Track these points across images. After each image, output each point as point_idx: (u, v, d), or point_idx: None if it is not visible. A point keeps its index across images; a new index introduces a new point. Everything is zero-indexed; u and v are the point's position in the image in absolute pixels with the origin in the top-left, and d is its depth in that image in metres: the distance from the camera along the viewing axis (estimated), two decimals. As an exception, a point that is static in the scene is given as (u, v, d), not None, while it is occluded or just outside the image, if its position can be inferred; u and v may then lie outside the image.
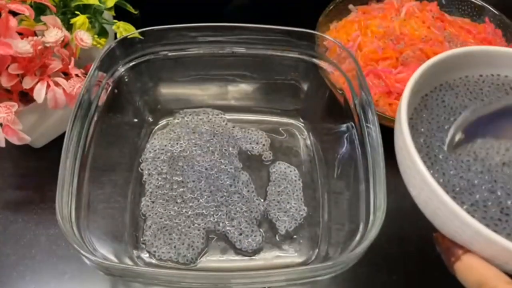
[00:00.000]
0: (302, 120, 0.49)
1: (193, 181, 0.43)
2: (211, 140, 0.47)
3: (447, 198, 0.25)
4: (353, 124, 0.39)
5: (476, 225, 0.24)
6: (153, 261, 0.39)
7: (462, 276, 0.26)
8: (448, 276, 0.29)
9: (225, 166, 0.45)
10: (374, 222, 0.31)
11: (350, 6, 0.55)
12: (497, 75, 0.34)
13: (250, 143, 0.47)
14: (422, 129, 0.31)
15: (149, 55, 0.44)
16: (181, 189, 0.43)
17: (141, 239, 0.40)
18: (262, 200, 0.43)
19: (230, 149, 0.46)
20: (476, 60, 0.33)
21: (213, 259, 0.40)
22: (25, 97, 0.40)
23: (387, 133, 0.36)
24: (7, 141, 0.38)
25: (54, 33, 0.38)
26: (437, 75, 0.32)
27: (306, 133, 0.48)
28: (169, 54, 0.45)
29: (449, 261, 0.27)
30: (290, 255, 0.40)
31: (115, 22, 0.43)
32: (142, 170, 0.44)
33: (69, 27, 0.42)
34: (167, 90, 0.50)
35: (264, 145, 0.47)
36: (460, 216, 0.24)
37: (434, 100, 0.33)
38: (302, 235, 0.41)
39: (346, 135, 0.41)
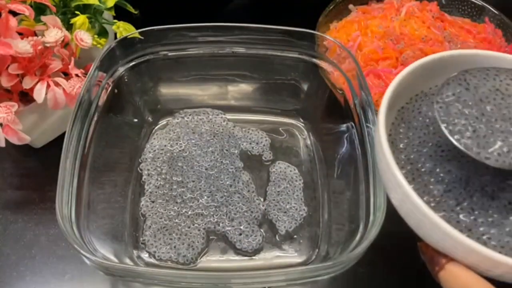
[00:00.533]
0: (302, 120, 0.49)
1: (193, 181, 0.43)
2: (211, 140, 0.47)
3: (427, 210, 0.25)
4: (353, 124, 0.39)
5: (457, 235, 0.24)
6: (153, 261, 0.39)
7: (446, 284, 0.26)
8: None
9: (226, 166, 0.45)
10: (374, 222, 0.31)
11: (350, 6, 0.55)
12: None
13: (250, 143, 0.47)
14: (402, 145, 0.31)
15: (149, 55, 0.44)
16: (181, 189, 0.43)
17: (141, 239, 0.40)
18: (262, 200, 0.43)
19: (231, 149, 0.46)
20: (448, 66, 0.32)
21: (213, 259, 0.40)
22: (25, 97, 0.40)
23: (387, 133, 0.36)
24: (7, 141, 0.38)
25: (54, 33, 0.38)
26: (412, 85, 0.32)
27: (306, 133, 0.48)
28: (169, 54, 0.45)
29: (433, 270, 0.27)
30: (290, 255, 0.40)
31: (115, 22, 0.43)
32: (141, 170, 0.44)
33: (69, 27, 0.42)
34: (167, 90, 0.50)
35: (264, 145, 0.47)
36: (442, 227, 0.24)
37: (410, 112, 0.32)
38: (302, 235, 0.41)
39: (346, 135, 0.41)
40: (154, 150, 0.46)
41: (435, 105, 0.28)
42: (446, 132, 0.27)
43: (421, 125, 0.31)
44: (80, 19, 0.41)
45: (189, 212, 0.41)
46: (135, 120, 0.47)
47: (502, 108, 0.27)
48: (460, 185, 0.28)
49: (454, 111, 0.27)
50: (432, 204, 0.28)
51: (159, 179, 0.43)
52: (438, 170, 0.29)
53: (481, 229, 0.27)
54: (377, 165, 0.30)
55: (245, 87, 0.50)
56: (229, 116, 0.49)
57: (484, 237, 0.26)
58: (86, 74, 0.39)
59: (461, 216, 0.27)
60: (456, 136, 0.27)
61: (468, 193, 0.28)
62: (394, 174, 0.26)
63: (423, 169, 0.29)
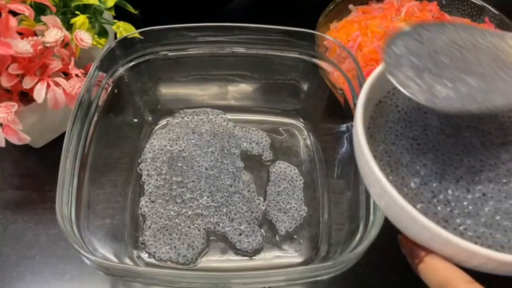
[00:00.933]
0: (302, 120, 0.49)
1: (193, 181, 0.43)
2: (211, 140, 0.47)
3: (404, 203, 0.25)
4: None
5: (433, 227, 0.24)
6: (153, 261, 0.39)
7: (425, 277, 0.26)
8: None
9: (226, 166, 0.45)
10: (374, 222, 0.31)
11: (350, 6, 0.55)
12: None
13: (250, 143, 0.47)
14: (380, 137, 0.31)
15: (149, 55, 0.44)
16: (181, 189, 0.43)
17: (141, 239, 0.40)
18: (262, 200, 0.43)
19: (232, 149, 0.46)
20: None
21: (213, 259, 0.40)
22: (25, 97, 0.40)
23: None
24: (7, 141, 0.38)
25: (54, 33, 0.38)
26: (388, 80, 0.32)
27: (306, 133, 0.48)
28: (169, 54, 0.45)
29: (413, 263, 0.27)
30: (290, 255, 0.40)
31: (115, 22, 0.43)
32: (141, 170, 0.44)
33: (69, 27, 0.42)
34: (167, 90, 0.50)
35: (264, 145, 0.47)
36: (418, 220, 0.25)
37: (388, 106, 0.32)
38: (302, 235, 0.41)
39: (346, 135, 0.41)
40: (154, 150, 0.46)
41: (384, 56, 0.28)
42: (394, 82, 0.28)
43: (398, 118, 0.32)
44: (80, 19, 0.41)
45: (189, 212, 0.41)
46: (135, 120, 0.47)
47: (458, 59, 0.28)
48: (436, 178, 0.29)
49: (405, 62, 0.28)
50: (410, 196, 0.28)
51: (158, 179, 0.43)
52: (414, 163, 0.29)
53: (458, 220, 0.27)
54: (356, 160, 0.30)
55: (245, 87, 0.50)
56: (229, 116, 0.49)
57: (461, 228, 0.27)
58: (86, 74, 0.39)
59: (438, 208, 0.28)
60: (405, 86, 0.27)
61: (444, 185, 0.28)
62: (371, 168, 0.27)
63: (400, 162, 0.30)
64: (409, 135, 0.31)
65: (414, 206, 0.26)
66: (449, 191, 0.28)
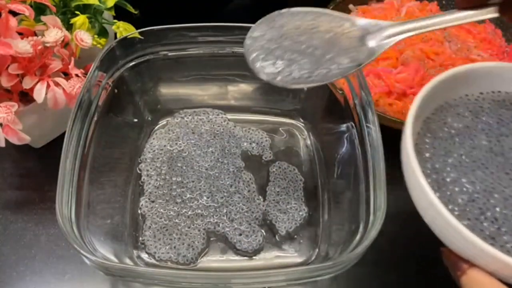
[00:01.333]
0: (302, 120, 0.49)
1: (193, 181, 0.43)
2: (211, 141, 0.47)
3: (452, 219, 0.26)
4: (353, 124, 0.39)
5: (480, 243, 0.25)
6: (153, 261, 0.39)
7: None
8: (447, 276, 0.29)
9: (226, 166, 0.45)
10: (374, 222, 0.31)
11: (350, 6, 0.55)
12: (497, 91, 0.34)
13: (251, 143, 0.47)
14: (428, 154, 0.32)
15: (149, 55, 0.44)
16: (181, 189, 0.43)
17: (141, 239, 0.40)
18: (262, 200, 0.43)
19: (232, 149, 0.46)
20: (476, 78, 0.33)
21: (213, 259, 0.40)
22: (25, 97, 0.40)
23: (387, 133, 0.36)
24: (7, 141, 0.38)
25: (54, 33, 0.38)
26: (437, 96, 0.33)
27: (306, 133, 0.48)
28: (169, 54, 0.45)
29: (455, 275, 0.28)
30: (290, 255, 0.40)
31: (115, 22, 0.43)
32: (140, 170, 0.44)
33: (69, 27, 0.42)
34: (167, 90, 0.50)
35: (264, 145, 0.47)
36: (465, 236, 0.25)
37: (436, 123, 0.33)
38: (302, 235, 0.41)
39: (346, 135, 0.41)
40: (154, 150, 0.46)
41: (246, 40, 0.35)
42: (248, 61, 0.34)
43: (446, 135, 0.32)
44: (80, 19, 0.41)
45: (189, 212, 0.41)
46: (135, 120, 0.47)
47: (296, 42, 0.34)
48: (484, 196, 0.29)
49: (258, 44, 0.34)
50: (457, 213, 0.29)
51: (158, 179, 0.43)
52: (462, 180, 0.30)
53: (505, 238, 0.27)
54: (403, 174, 0.30)
55: (245, 87, 0.50)
56: (229, 116, 0.49)
57: (508, 245, 0.27)
58: (86, 74, 0.39)
59: (485, 224, 0.28)
60: (254, 63, 0.34)
61: (492, 203, 0.29)
62: (419, 182, 0.27)
63: (448, 179, 0.30)
64: (457, 152, 0.31)
65: (461, 222, 0.26)
66: (497, 209, 0.28)
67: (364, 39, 0.33)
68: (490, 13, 0.31)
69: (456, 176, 0.30)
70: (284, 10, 0.36)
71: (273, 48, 0.34)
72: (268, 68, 0.33)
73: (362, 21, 0.34)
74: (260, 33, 0.35)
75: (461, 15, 0.32)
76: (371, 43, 0.33)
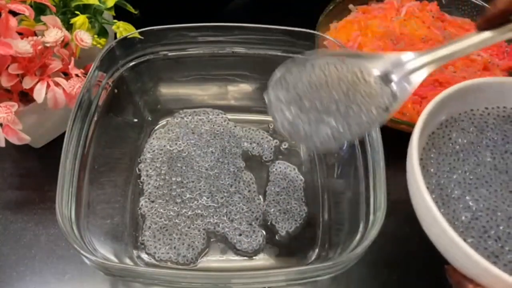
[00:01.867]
0: (302, 120, 0.49)
1: (192, 182, 0.43)
2: (211, 141, 0.47)
3: (457, 238, 0.26)
4: (353, 124, 0.39)
5: (484, 263, 0.25)
6: (153, 261, 0.39)
7: None
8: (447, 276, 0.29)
9: (226, 166, 0.45)
10: (374, 222, 0.31)
11: (350, 6, 0.55)
12: (503, 107, 0.34)
13: (251, 143, 0.47)
14: (432, 169, 0.32)
15: (149, 55, 0.44)
16: (181, 189, 0.43)
17: (140, 239, 0.40)
18: (262, 200, 0.43)
19: (233, 148, 0.46)
20: (481, 93, 0.33)
21: (213, 259, 0.39)
22: (25, 97, 0.40)
23: (387, 133, 0.36)
24: (7, 141, 0.38)
25: (54, 33, 0.38)
26: (443, 110, 0.33)
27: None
28: (169, 54, 0.45)
29: None
30: (290, 255, 0.40)
31: (115, 22, 0.43)
32: (140, 171, 0.44)
33: (69, 27, 0.42)
34: (167, 90, 0.50)
35: (264, 145, 0.47)
36: (469, 255, 0.25)
37: (441, 138, 0.33)
38: (302, 235, 0.41)
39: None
40: (154, 151, 0.46)
41: (266, 97, 0.32)
42: (276, 126, 0.32)
43: (451, 151, 0.33)
44: (80, 19, 0.41)
45: (189, 213, 0.41)
46: (135, 120, 0.47)
47: (316, 100, 0.31)
48: (487, 214, 0.29)
49: (279, 108, 0.31)
50: (461, 230, 0.29)
51: (158, 179, 0.43)
52: (467, 197, 0.30)
53: (508, 256, 0.27)
54: (408, 189, 0.31)
55: (245, 87, 0.50)
56: (229, 116, 0.49)
57: (511, 264, 0.27)
58: (86, 74, 0.39)
59: (488, 242, 0.28)
60: (281, 128, 0.31)
61: (495, 222, 0.29)
62: (424, 199, 0.27)
63: (452, 195, 0.30)
64: (461, 169, 0.31)
65: (465, 240, 0.26)
66: (501, 228, 0.29)
67: (386, 79, 0.31)
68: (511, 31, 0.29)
69: (461, 193, 0.30)
70: (291, 64, 0.33)
71: (294, 112, 0.31)
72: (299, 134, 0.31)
73: (378, 62, 0.31)
74: (274, 97, 0.32)
75: (483, 38, 0.30)
76: (394, 86, 0.30)
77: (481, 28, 0.30)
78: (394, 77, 0.31)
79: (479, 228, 0.29)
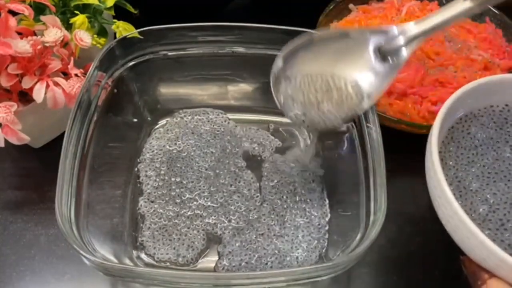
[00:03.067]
0: (302, 120, 0.49)
1: (192, 182, 0.43)
2: (211, 141, 0.46)
3: (475, 229, 0.26)
4: (353, 124, 0.39)
5: (501, 254, 0.25)
6: (153, 261, 0.39)
7: None
8: (448, 276, 0.29)
9: (226, 166, 0.44)
10: (375, 222, 0.31)
11: (351, 6, 0.55)
12: None
13: (251, 143, 0.47)
14: (451, 162, 0.32)
15: (149, 55, 0.44)
16: (180, 190, 0.43)
17: (140, 239, 0.40)
18: (262, 200, 0.43)
19: (233, 148, 0.46)
20: (502, 89, 0.34)
21: (213, 260, 0.39)
22: (25, 97, 0.40)
23: (387, 133, 0.36)
24: (6, 141, 0.38)
25: (53, 33, 0.38)
26: (462, 105, 0.33)
27: (306, 133, 0.48)
28: (169, 54, 0.45)
29: (475, 284, 0.28)
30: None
31: (115, 22, 0.43)
32: (139, 171, 0.44)
33: (69, 27, 0.42)
34: (167, 90, 0.50)
35: (265, 145, 0.47)
36: (487, 245, 0.26)
37: (460, 132, 0.34)
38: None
39: (346, 135, 0.41)
40: (153, 151, 0.46)
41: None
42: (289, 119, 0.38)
43: (469, 145, 0.33)
44: (80, 19, 0.41)
45: (189, 213, 0.41)
46: (135, 120, 0.47)
47: (310, 93, 0.36)
48: (505, 208, 0.30)
49: (288, 103, 0.38)
50: (478, 222, 0.29)
51: (157, 179, 0.43)
52: (484, 190, 0.31)
53: None
54: (427, 181, 0.31)
55: (245, 87, 0.50)
56: (229, 116, 0.49)
57: None
58: (86, 74, 0.39)
59: (506, 235, 0.28)
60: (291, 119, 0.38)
61: None
62: (444, 190, 0.28)
63: (470, 188, 0.31)
64: (480, 163, 0.32)
65: (482, 232, 0.26)
66: None
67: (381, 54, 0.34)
68: None
69: (479, 186, 0.31)
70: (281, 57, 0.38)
71: (297, 101, 0.37)
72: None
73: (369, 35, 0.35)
74: (280, 94, 0.38)
75: (464, 7, 0.32)
76: (390, 59, 0.34)
77: None
78: (388, 51, 0.35)
79: (496, 220, 0.29)
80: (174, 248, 0.39)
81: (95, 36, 0.43)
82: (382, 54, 0.35)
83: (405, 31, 0.34)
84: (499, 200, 0.30)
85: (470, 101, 0.33)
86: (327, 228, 0.41)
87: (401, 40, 0.34)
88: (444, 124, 0.32)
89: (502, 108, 0.34)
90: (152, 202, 0.42)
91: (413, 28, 0.34)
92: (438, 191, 0.29)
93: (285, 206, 0.42)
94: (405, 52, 0.34)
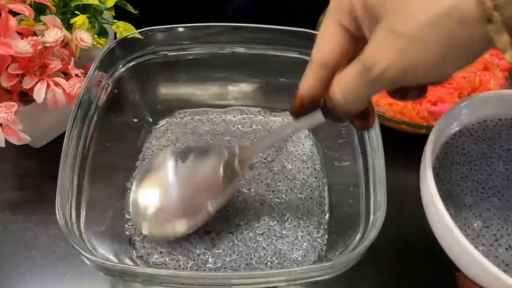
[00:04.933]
0: (302, 120, 0.49)
1: (193, 181, 0.43)
2: (211, 141, 0.46)
3: (468, 245, 0.26)
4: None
5: (495, 271, 0.25)
6: (153, 261, 0.39)
7: None
8: (447, 276, 0.29)
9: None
10: (374, 222, 0.31)
11: (350, 6, 0.55)
12: None
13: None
14: (445, 177, 0.32)
15: (149, 55, 0.44)
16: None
17: (139, 239, 0.40)
18: (262, 200, 0.43)
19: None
20: (495, 104, 0.34)
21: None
22: (25, 97, 0.40)
23: (387, 133, 0.36)
24: (7, 141, 0.38)
25: (54, 33, 0.38)
26: (456, 121, 0.34)
27: (306, 133, 0.48)
28: (169, 54, 0.45)
29: None
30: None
31: (115, 22, 0.43)
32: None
33: (69, 27, 0.42)
34: (167, 90, 0.50)
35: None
36: (480, 262, 0.26)
37: (454, 148, 0.34)
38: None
39: (345, 134, 0.41)
40: (153, 151, 0.46)
41: None
42: None
43: (463, 161, 0.33)
44: (80, 19, 0.41)
45: (189, 212, 0.41)
46: (135, 120, 0.47)
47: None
48: (498, 223, 0.30)
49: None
50: (472, 238, 0.29)
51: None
52: (478, 206, 0.31)
53: None
54: (421, 197, 0.31)
55: (245, 87, 0.50)
56: (229, 116, 0.49)
57: None
58: (86, 74, 0.39)
59: (499, 251, 0.29)
60: None
61: (506, 231, 0.29)
62: (437, 207, 0.28)
63: (464, 204, 0.31)
64: (474, 178, 0.32)
65: (476, 248, 0.26)
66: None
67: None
68: (320, 118, 0.31)
69: (473, 201, 0.31)
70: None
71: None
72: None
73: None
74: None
75: (299, 125, 0.33)
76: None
77: (296, 116, 0.32)
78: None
79: (490, 236, 0.29)
80: (173, 248, 0.39)
81: (96, 36, 0.43)
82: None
83: (242, 155, 0.38)
84: (493, 216, 0.30)
85: (463, 116, 0.34)
86: (326, 228, 0.41)
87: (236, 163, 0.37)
88: (438, 140, 0.33)
89: (495, 123, 0.35)
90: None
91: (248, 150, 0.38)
92: (432, 208, 0.29)
93: (285, 206, 0.42)
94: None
